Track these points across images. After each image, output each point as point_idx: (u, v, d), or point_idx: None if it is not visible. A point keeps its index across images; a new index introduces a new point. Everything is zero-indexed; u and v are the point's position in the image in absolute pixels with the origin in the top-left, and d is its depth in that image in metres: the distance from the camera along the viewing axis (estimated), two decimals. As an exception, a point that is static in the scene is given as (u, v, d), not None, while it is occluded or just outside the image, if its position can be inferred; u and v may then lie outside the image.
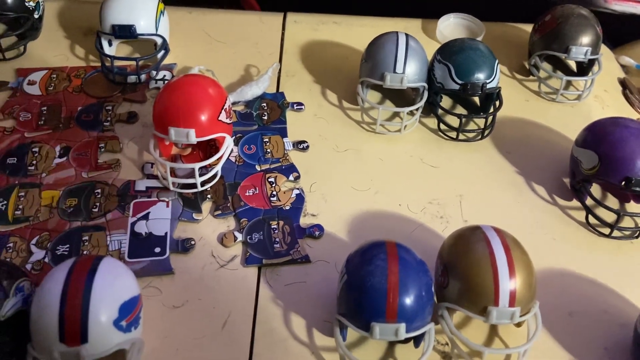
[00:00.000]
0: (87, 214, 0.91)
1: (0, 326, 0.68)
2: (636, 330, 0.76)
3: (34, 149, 0.99)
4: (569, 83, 1.21)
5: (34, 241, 0.87)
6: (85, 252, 0.86)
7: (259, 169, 1.02)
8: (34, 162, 0.97)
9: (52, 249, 0.86)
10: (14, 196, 0.92)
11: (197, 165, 0.94)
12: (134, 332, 0.71)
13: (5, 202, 0.91)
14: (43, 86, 1.11)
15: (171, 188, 0.95)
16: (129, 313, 0.69)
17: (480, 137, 1.08)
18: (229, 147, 0.99)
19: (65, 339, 0.65)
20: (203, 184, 0.96)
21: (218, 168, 0.98)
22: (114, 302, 0.68)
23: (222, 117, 0.97)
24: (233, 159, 1.03)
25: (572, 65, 1.26)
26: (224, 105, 0.97)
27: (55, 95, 1.10)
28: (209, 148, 1.01)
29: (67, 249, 0.86)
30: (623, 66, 1.32)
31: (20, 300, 0.70)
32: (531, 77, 1.23)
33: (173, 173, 0.96)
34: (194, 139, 0.92)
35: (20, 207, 0.91)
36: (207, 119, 0.93)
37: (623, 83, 1.25)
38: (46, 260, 0.85)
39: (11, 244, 0.86)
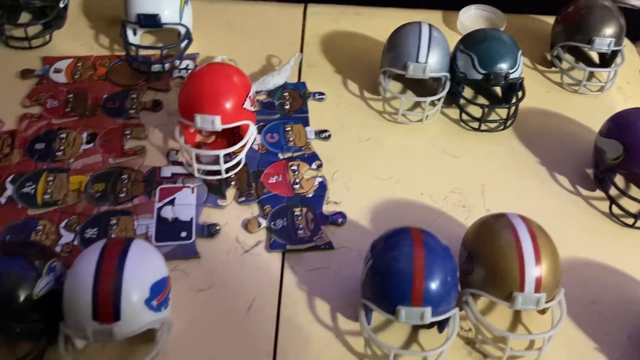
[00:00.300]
0: (115, 199, 0.93)
1: (33, 305, 0.69)
2: (661, 318, 0.76)
3: (61, 135, 1.01)
4: (591, 74, 1.21)
5: (63, 224, 0.88)
6: (112, 236, 0.88)
7: (281, 157, 1.03)
8: (62, 147, 0.99)
9: (81, 232, 0.88)
10: (42, 181, 0.94)
11: (221, 152, 0.95)
12: (163, 312, 0.72)
13: (34, 186, 0.93)
14: (69, 74, 1.13)
15: (196, 174, 0.97)
16: (159, 293, 0.70)
17: (502, 127, 1.08)
18: (252, 135, 1.00)
19: (99, 317, 0.66)
20: (227, 170, 0.97)
21: (242, 155, 0.99)
22: (145, 282, 0.69)
23: (247, 105, 0.98)
24: (256, 147, 1.04)
25: (595, 57, 1.25)
26: (248, 94, 0.98)
27: (81, 83, 1.11)
28: (233, 136, 1.02)
29: (96, 233, 0.88)
30: (645, 58, 1.32)
31: (52, 279, 0.71)
32: (553, 69, 1.23)
33: (198, 160, 0.97)
34: (219, 125, 0.93)
35: (49, 191, 0.92)
36: (232, 107, 0.95)
37: (646, 75, 1.25)
38: (75, 243, 0.86)
39: (41, 227, 0.88)
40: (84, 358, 0.73)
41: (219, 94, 0.94)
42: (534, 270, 0.73)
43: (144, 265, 0.70)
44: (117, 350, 0.74)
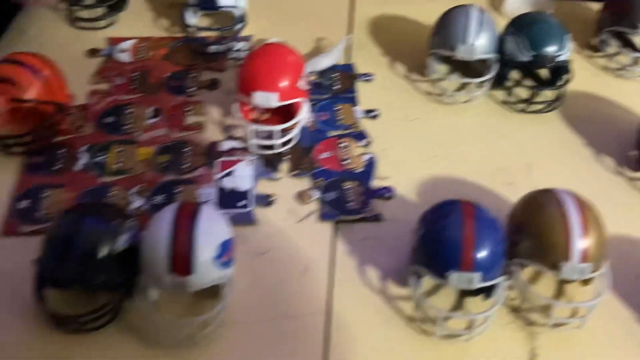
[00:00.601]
0: (179, 169, 0.99)
1: (114, 259, 0.76)
2: None
3: (128, 110, 1.08)
4: (637, 59, 1.21)
5: (133, 191, 0.95)
6: (178, 203, 0.94)
7: (331, 135, 1.08)
8: (129, 121, 1.06)
9: (150, 199, 0.95)
10: (113, 151, 1.01)
11: (277, 128, 1.00)
12: (229, 269, 0.78)
13: (106, 156, 1.00)
14: (133, 54, 1.20)
15: (252, 149, 1.02)
16: (226, 251, 0.77)
17: (548, 109, 1.11)
18: (305, 112, 1.05)
19: (175, 269, 0.73)
20: (282, 145, 1.02)
21: (296, 131, 1.04)
22: (215, 241, 0.75)
23: (301, 83, 1.03)
24: (308, 125, 1.09)
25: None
26: (302, 73, 1.03)
27: (145, 63, 1.18)
28: (286, 113, 1.07)
29: (163, 199, 0.95)
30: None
31: (130, 237, 0.78)
32: (599, 54, 1.24)
33: (254, 135, 1.03)
34: (275, 102, 0.99)
35: (120, 160, 1.00)
36: (288, 85, 1.00)
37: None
38: (144, 208, 0.93)
39: (113, 193, 0.95)
40: (157, 309, 0.80)
41: (276, 73, 1.00)
42: (581, 242, 0.76)
43: (213, 226, 0.76)
44: (186, 305, 0.81)
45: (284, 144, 1.03)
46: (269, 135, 1.02)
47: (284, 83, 1.00)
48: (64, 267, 0.73)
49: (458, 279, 0.75)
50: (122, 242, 0.77)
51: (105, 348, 0.77)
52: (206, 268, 0.74)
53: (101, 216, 0.78)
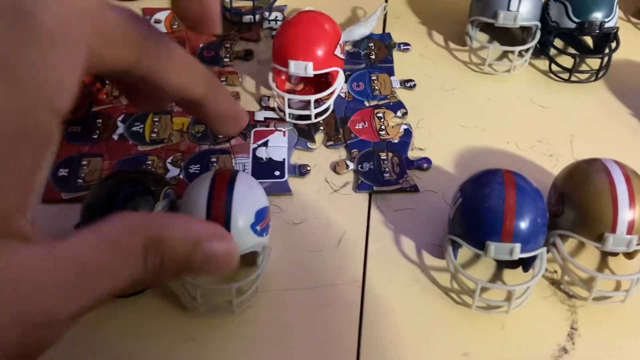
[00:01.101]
0: (214, 139, 1.00)
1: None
2: None
3: (163, 80, 1.09)
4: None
5: (169, 160, 0.96)
6: (213, 172, 0.95)
7: (367, 105, 1.06)
8: (165, 91, 1.07)
9: (185, 168, 0.95)
10: (149, 121, 1.02)
11: (313, 97, 0.99)
12: (265, 237, 0.78)
13: (142, 125, 1.01)
14: (168, 24, 1.20)
15: (287, 119, 1.02)
16: (262, 219, 0.77)
17: (594, 78, 1.06)
18: (341, 82, 1.04)
19: None
20: (317, 116, 1.01)
21: (331, 101, 1.03)
22: (251, 208, 0.75)
23: (337, 52, 1.01)
24: (343, 95, 1.07)
25: (697, 8, 1.19)
26: (338, 41, 1.02)
27: (179, 33, 1.18)
28: (320, 84, 1.06)
29: (198, 168, 0.95)
30: None
31: (167, 204, 0.79)
32: (649, 20, 1.18)
33: (289, 105, 1.02)
34: (311, 71, 0.98)
35: (156, 130, 1.01)
36: (323, 53, 0.99)
37: None
38: (181, 177, 0.94)
39: (150, 162, 0.96)
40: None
41: (312, 41, 0.98)
42: (627, 213, 0.73)
43: (249, 194, 0.76)
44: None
45: (319, 114, 1.02)
46: (304, 106, 1.01)
47: (320, 52, 0.98)
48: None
49: (497, 250, 0.73)
50: (160, 208, 0.77)
51: (142, 314, 0.79)
52: (242, 235, 0.74)
53: (139, 183, 0.78)
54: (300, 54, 0.97)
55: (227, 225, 0.73)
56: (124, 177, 0.80)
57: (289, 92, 1.06)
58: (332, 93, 1.02)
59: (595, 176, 0.76)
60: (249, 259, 0.79)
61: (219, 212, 0.73)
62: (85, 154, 0.97)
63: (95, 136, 1.00)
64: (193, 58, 0.37)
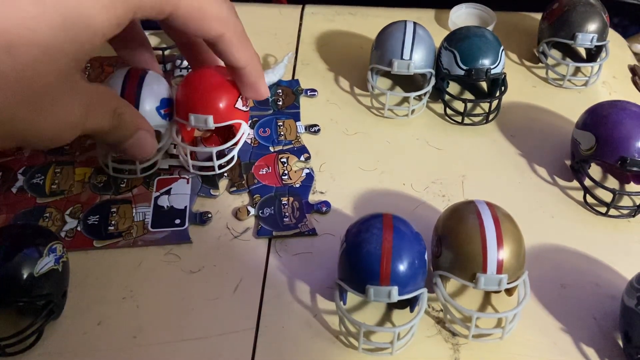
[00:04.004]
0: (116, 189, 1.00)
1: (35, 282, 0.76)
2: (622, 301, 0.80)
3: (69, 131, 1.09)
4: (577, 69, 1.24)
5: (67, 212, 0.96)
6: (113, 222, 0.95)
7: (272, 150, 1.09)
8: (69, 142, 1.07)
9: (84, 219, 0.95)
10: (50, 172, 1.02)
11: (214, 150, 1.01)
12: (167, 122, 0.98)
13: (43, 177, 1.01)
14: (78, 74, 1.21)
15: (191, 170, 1.03)
16: (166, 106, 0.97)
17: (485, 121, 1.13)
18: (245, 133, 1.05)
19: None
20: (220, 167, 1.03)
21: (234, 153, 1.04)
22: (157, 95, 0.95)
23: (239, 104, 1.03)
24: (249, 141, 1.10)
25: (582, 52, 1.28)
26: (240, 94, 1.04)
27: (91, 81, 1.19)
28: (228, 133, 1.08)
29: (97, 219, 0.95)
30: (636, 54, 1.34)
31: (52, 260, 0.79)
32: (540, 64, 1.27)
33: (192, 156, 1.03)
34: (212, 124, 0.99)
35: (56, 182, 1.00)
36: (224, 106, 0.99)
37: (633, 70, 1.27)
38: (78, 228, 0.94)
39: (48, 214, 0.95)
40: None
41: (211, 94, 0.99)
42: (496, 253, 0.77)
43: (157, 85, 0.96)
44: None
45: (223, 165, 1.03)
46: (209, 157, 1.03)
47: (220, 105, 0.99)
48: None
49: (376, 293, 0.76)
50: (43, 265, 0.77)
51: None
52: (149, 115, 0.94)
53: (22, 238, 0.78)
54: (200, 108, 0.98)
55: (136, 105, 0.93)
56: (7, 232, 0.80)
57: (196, 140, 1.08)
58: (235, 144, 1.04)
59: (468, 218, 0.80)
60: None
61: (131, 97, 0.92)
62: (-19, 208, 0.96)
63: (-7, 189, 0.99)
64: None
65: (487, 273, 0.77)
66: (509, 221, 0.81)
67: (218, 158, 1.02)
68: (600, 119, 0.96)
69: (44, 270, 0.77)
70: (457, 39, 1.11)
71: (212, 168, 1.03)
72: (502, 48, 1.11)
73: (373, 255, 0.76)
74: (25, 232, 0.80)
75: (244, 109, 1.08)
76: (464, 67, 1.08)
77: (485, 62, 1.08)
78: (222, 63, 0.94)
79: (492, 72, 1.09)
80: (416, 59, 1.10)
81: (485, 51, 1.08)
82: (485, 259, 0.77)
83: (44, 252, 0.78)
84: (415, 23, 1.13)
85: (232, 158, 1.05)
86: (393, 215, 0.82)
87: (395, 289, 0.76)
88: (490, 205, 0.82)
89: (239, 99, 1.06)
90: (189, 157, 1.02)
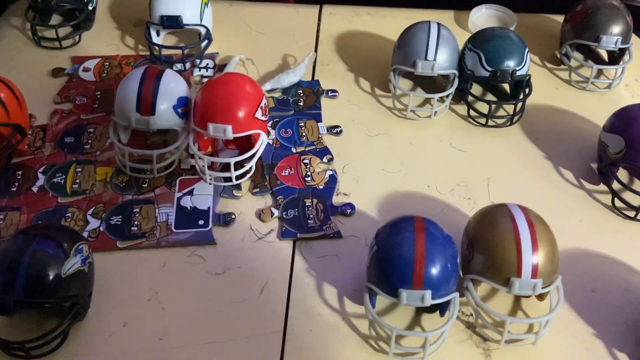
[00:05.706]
0: (138, 189, 0.99)
1: (62, 283, 0.75)
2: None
3: (89, 130, 1.08)
4: (599, 72, 1.23)
5: (90, 212, 0.95)
6: (136, 223, 0.94)
7: (294, 151, 1.08)
8: (90, 141, 1.06)
9: (106, 219, 0.94)
10: (71, 171, 1.01)
11: (232, 160, 0.98)
12: (184, 121, 0.99)
13: (64, 176, 1.00)
14: (97, 73, 1.20)
15: (208, 182, 0.99)
16: (183, 105, 0.98)
17: (509, 123, 1.11)
18: (263, 144, 1.02)
19: (140, 110, 0.95)
20: (238, 178, 0.99)
21: (252, 163, 1.01)
22: (174, 94, 0.99)
23: (258, 114, 1.00)
24: (271, 142, 1.09)
25: (604, 54, 1.27)
26: (260, 104, 1.00)
27: (108, 82, 1.18)
28: (247, 143, 1.05)
29: (120, 220, 0.94)
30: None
31: (79, 260, 0.77)
32: (562, 66, 1.25)
33: (211, 167, 1.00)
34: (230, 134, 0.96)
35: (78, 181, 0.99)
36: (243, 116, 0.97)
37: (655, 73, 1.26)
38: (101, 229, 0.93)
39: (70, 214, 0.94)
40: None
41: (231, 104, 0.97)
42: (531, 257, 0.76)
43: (174, 83, 0.97)
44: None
45: (240, 176, 1.00)
46: (227, 166, 0.99)
47: (240, 114, 0.97)
48: (8, 292, 0.72)
49: (409, 297, 0.75)
50: (70, 265, 0.76)
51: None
52: (165, 113, 0.95)
53: (50, 239, 0.77)
54: (219, 117, 0.96)
55: (153, 103, 0.94)
56: (35, 232, 0.78)
57: (213, 151, 1.04)
58: (252, 155, 1.00)
59: (501, 222, 0.79)
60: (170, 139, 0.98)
61: (147, 93, 0.94)
62: (2, 208, 0.94)
63: (13, 188, 0.97)
64: None
65: (521, 277, 0.76)
66: (542, 224, 0.80)
67: (236, 169, 0.99)
68: (630, 122, 0.95)
69: (71, 271, 0.76)
70: (482, 40, 1.10)
71: (229, 179, 0.99)
72: (527, 49, 1.10)
73: (406, 258, 0.75)
74: (51, 233, 0.79)
75: (263, 118, 1.05)
76: (489, 69, 1.07)
77: (511, 63, 1.07)
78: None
79: (518, 73, 1.08)
80: (440, 60, 1.09)
81: (511, 52, 1.07)
82: (520, 263, 0.76)
83: (70, 252, 0.77)
84: (439, 24, 1.12)
85: (250, 169, 1.01)
86: (424, 218, 0.81)
87: (428, 293, 0.75)
88: (523, 209, 0.81)
89: (259, 109, 1.03)
90: (206, 168, 0.99)
